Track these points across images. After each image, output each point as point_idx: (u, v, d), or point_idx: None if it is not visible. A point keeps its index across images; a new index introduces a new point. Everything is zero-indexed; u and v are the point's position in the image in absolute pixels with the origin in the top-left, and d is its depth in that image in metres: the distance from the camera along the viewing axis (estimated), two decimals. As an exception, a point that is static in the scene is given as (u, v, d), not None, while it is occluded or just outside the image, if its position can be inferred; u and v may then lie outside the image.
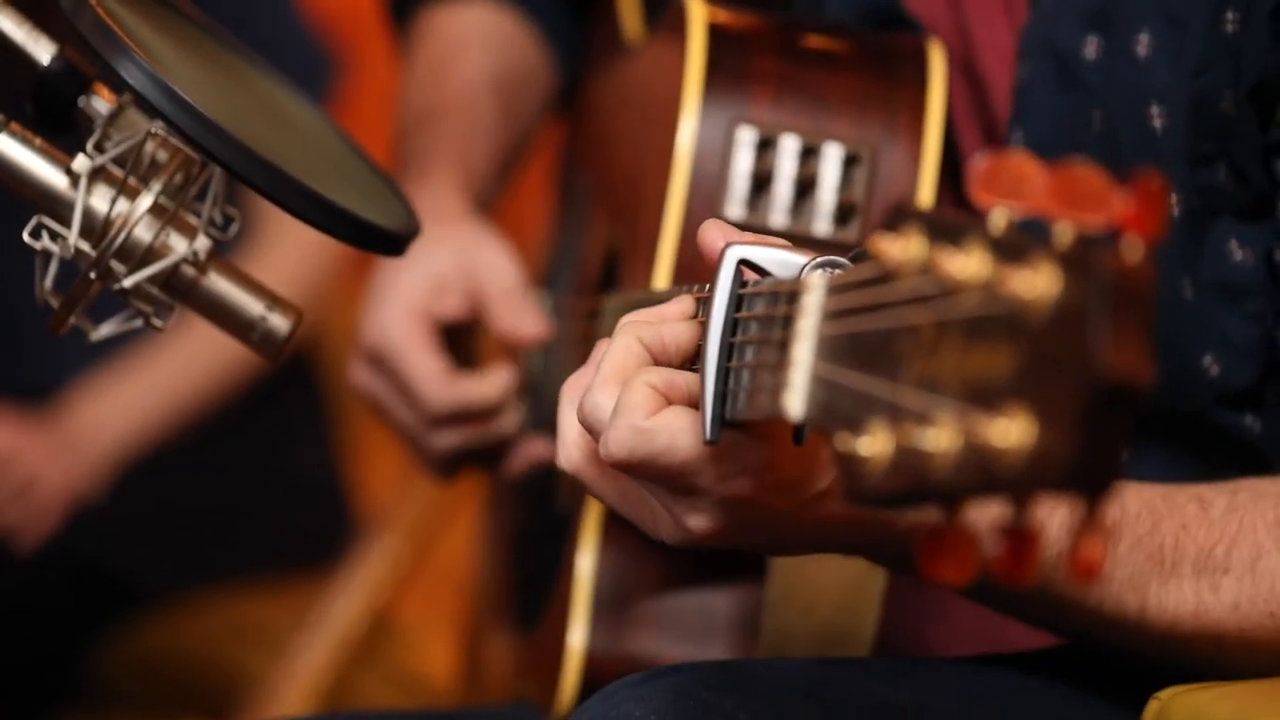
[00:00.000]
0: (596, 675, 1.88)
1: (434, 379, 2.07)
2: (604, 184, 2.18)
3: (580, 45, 2.38)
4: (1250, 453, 1.75)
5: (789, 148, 1.82)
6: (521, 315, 2.09)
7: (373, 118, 2.63)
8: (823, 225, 1.82)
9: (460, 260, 2.11)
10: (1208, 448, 1.76)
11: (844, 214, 1.82)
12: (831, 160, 1.82)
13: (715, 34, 1.86)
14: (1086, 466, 0.98)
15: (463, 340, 2.15)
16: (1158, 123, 1.72)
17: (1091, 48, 1.78)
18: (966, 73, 1.91)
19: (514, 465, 2.16)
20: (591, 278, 2.15)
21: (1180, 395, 1.75)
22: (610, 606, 1.88)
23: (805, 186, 1.82)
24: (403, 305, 2.09)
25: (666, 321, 1.46)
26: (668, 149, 1.85)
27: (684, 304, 1.48)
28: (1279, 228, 1.71)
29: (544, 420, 2.12)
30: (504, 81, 2.32)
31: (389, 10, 2.46)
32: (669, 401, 1.40)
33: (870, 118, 1.84)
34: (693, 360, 1.46)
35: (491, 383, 2.09)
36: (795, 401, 1.19)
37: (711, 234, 1.46)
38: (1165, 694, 1.61)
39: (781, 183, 1.82)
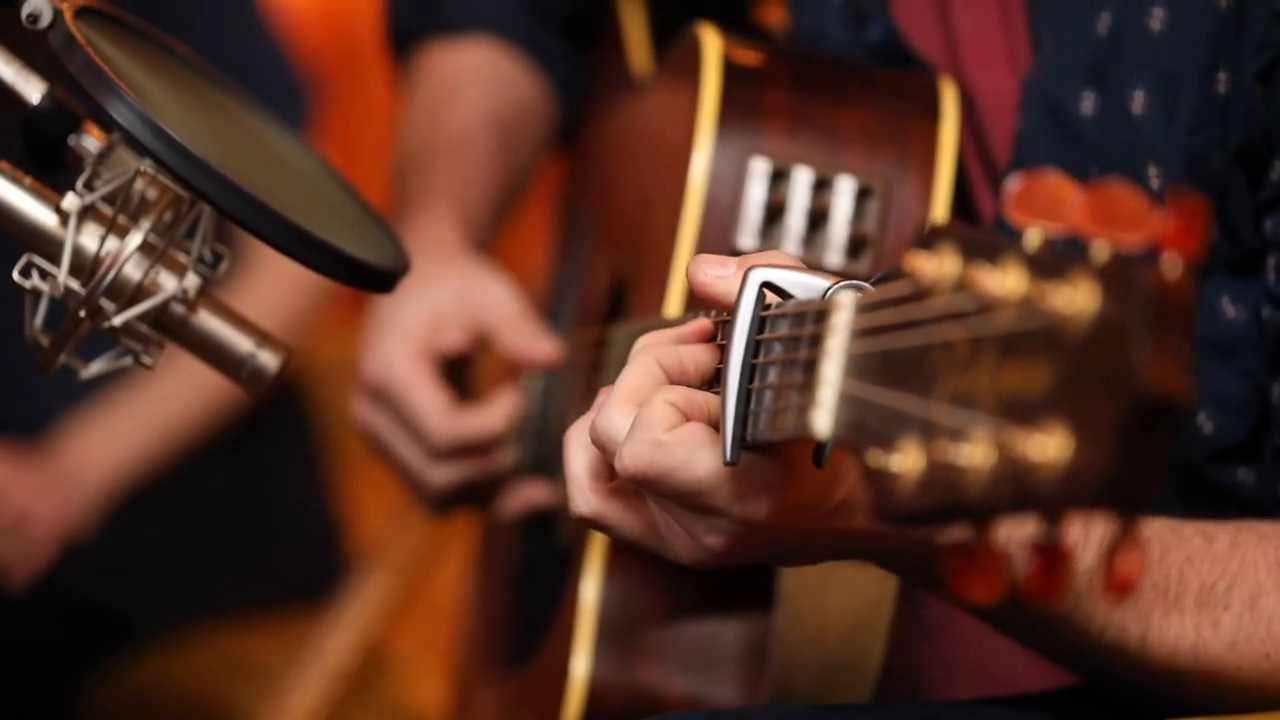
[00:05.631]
0: (599, 705, 1.87)
1: (438, 412, 2.08)
2: (610, 215, 2.18)
3: (582, 80, 2.38)
4: (1241, 506, 1.75)
5: (802, 179, 1.83)
6: (532, 337, 2.10)
7: (350, 147, 2.63)
8: (834, 257, 1.82)
9: (461, 294, 2.11)
10: (1199, 501, 1.76)
11: (856, 246, 1.82)
12: (844, 193, 1.83)
13: (730, 66, 1.87)
14: (1124, 482, 0.99)
15: (458, 375, 2.15)
16: (1156, 183, 1.72)
17: (1088, 103, 1.78)
18: (967, 117, 1.91)
19: (510, 507, 2.15)
20: (597, 308, 2.15)
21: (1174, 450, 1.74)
22: (615, 635, 1.87)
23: (818, 218, 1.82)
24: (405, 340, 2.10)
25: (685, 344, 1.46)
26: (680, 179, 1.85)
27: (702, 325, 1.48)
28: (1268, 285, 1.71)
29: (542, 461, 2.12)
30: (502, 121, 2.32)
31: (389, 42, 2.46)
32: (688, 419, 1.40)
33: (883, 151, 1.84)
34: (711, 383, 1.45)
35: (493, 414, 2.10)
36: (823, 419, 1.19)
37: (694, 273, 1.46)
38: (1164, 728, 1.61)
39: (794, 214, 1.83)
